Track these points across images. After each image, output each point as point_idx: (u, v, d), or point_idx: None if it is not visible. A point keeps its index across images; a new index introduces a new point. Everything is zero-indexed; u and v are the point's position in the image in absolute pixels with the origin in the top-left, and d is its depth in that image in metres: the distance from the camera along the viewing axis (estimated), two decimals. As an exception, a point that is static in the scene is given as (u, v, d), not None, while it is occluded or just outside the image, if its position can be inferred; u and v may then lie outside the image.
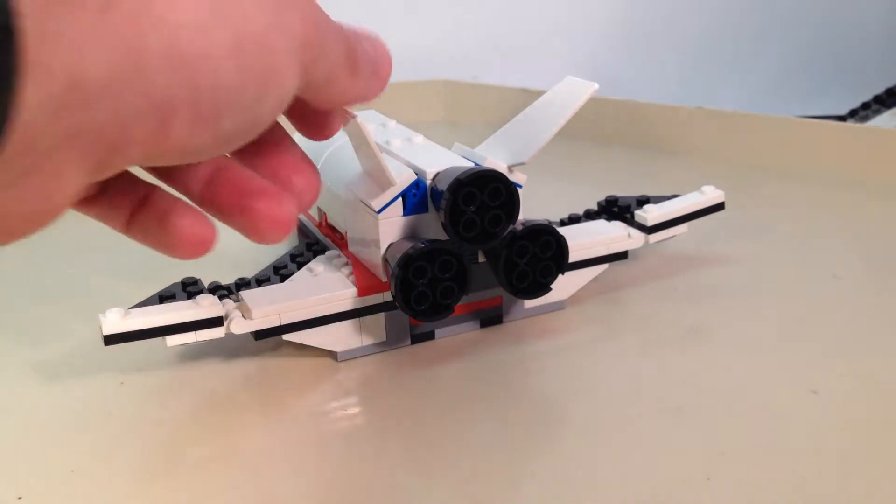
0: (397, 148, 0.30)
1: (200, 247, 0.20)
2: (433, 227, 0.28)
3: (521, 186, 0.28)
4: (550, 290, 0.29)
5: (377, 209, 0.27)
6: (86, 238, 0.39)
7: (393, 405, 0.27)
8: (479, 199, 0.26)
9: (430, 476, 0.23)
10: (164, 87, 0.15)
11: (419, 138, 0.31)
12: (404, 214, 0.27)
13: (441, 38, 0.70)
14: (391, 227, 0.27)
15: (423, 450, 0.24)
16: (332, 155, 0.32)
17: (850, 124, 0.53)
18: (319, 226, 0.35)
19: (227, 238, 0.21)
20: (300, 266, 0.31)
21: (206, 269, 0.31)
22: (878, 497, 0.21)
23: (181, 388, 0.28)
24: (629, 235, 0.32)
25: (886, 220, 0.41)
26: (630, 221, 0.33)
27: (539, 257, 0.28)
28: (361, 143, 0.25)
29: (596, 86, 0.27)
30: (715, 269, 0.35)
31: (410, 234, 0.28)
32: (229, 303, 0.28)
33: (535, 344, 0.30)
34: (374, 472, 0.23)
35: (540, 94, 0.29)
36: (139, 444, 0.25)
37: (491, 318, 0.31)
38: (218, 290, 0.29)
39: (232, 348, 0.30)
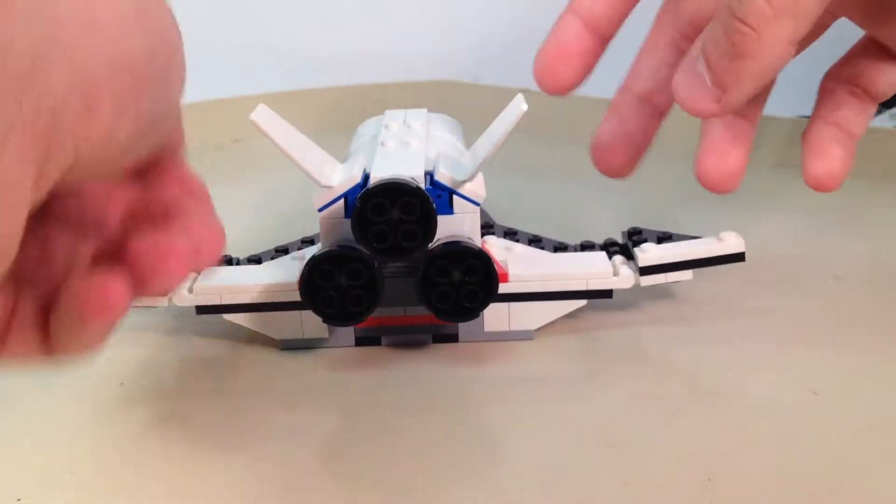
0: (385, 149, 0.30)
1: (119, 299, 0.18)
2: None
3: (478, 204, 0.27)
4: (477, 315, 0.27)
5: (316, 207, 0.27)
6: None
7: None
8: (390, 212, 0.26)
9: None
10: (85, 57, 0.15)
11: (416, 142, 0.30)
12: (346, 216, 0.27)
13: (441, 38, 0.70)
14: (332, 227, 0.27)
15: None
16: (358, 147, 0.32)
17: (850, 124, 0.53)
18: None
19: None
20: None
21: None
22: (878, 497, 0.21)
23: (182, 391, 0.28)
24: (616, 273, 0.29)
25: (886, 220, 0.41)
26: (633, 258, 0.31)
27: (463, 280, 0.26)
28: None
29: (524, 108, 0.25)
30: (714, 268, 0.35)
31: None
32: (193, 276, 0.29)
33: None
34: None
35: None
36: (139, 445, 0.25)
37: (445, 335, 0.30)
38: None
39: (238, 353, 0.30)
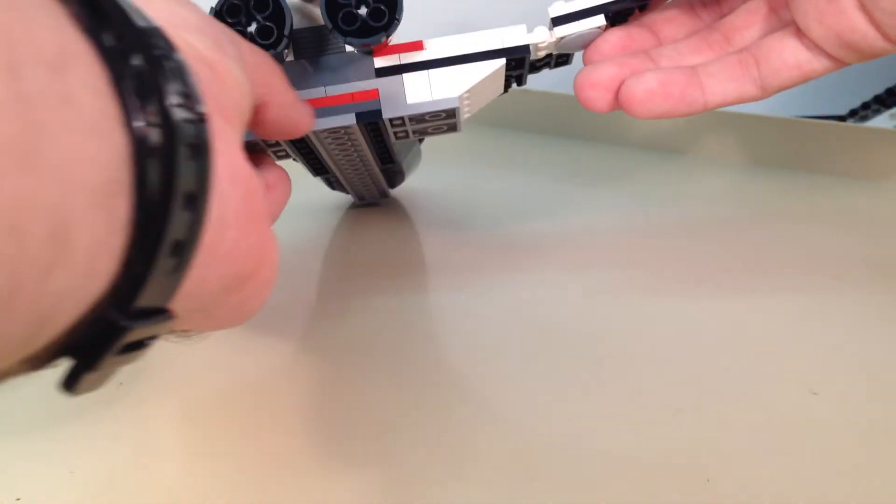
0: None
1: None
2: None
3: None
4: (385, 35, 0.27)
5: None
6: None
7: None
8: None
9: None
10: None
11: None
12: None
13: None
14: None
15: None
16: None
17: (850, 124, 0.53)
18: None
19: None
20: None
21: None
22: (878, 498, 0.21)
23: (178, 390, 0.28)
24: (528, 30, 0.31)
25: (887, 220, 0.41)
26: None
27: (367, 1, 0.27)
28: None
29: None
30: (712, 267, 0.35)
31: None
32: None
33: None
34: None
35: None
36: (138, 446, 0.25)
37: (368, 112, 0.29)
38: None
39: (224, 353, 0.30)
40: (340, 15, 0.27)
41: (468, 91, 0.30)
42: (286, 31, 0.26)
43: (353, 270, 0.37)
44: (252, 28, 0.26)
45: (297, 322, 0.32)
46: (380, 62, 0.29)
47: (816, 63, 0.28)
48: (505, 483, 0.23)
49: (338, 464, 0.24)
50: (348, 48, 0.29)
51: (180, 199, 0.14)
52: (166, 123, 0.14)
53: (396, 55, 0.29)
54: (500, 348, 0.30)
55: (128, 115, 0.14)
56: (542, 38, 0.30)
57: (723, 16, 0.31)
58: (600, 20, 0.31)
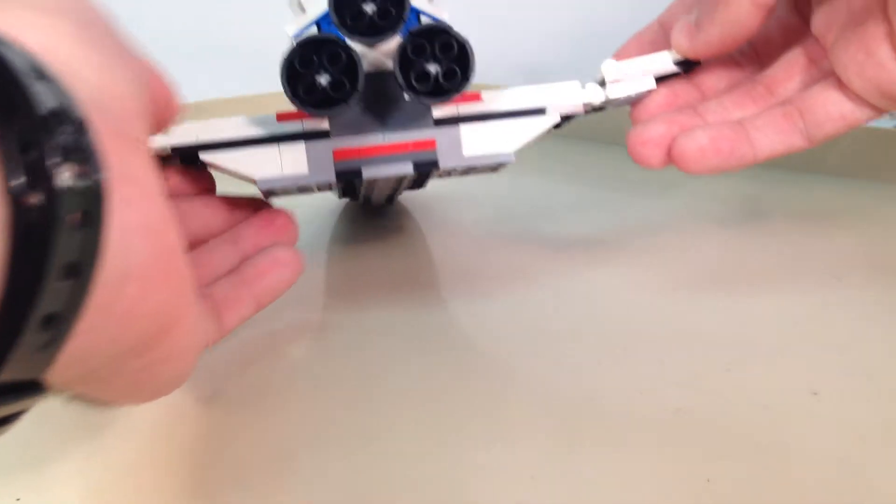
0: None
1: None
2: None
3: None
4: (457, 93, 0.27)
5: (291, 34, 0.27)
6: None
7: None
8: None
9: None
10: None
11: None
12: None
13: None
14: None
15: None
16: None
17: (850, 124, 0.53)
18: None
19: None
20: None
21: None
22: (878, 498, 0.21)
23: (181, 394, 0.28)
24: (583, 87, 0.31)
25: (887, 220, 0.41)
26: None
27: (439, 58, 0.27)
28: None
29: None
30: (711, 268, 0.35)
31: None
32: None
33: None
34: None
35: None
36: (139, 445, 0.25)
37: (424, 161, 0.29)
38: None
39: (232, 357, 0.30)
40: (414, 75, 0.27)
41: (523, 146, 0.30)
42: (359, 86, 0.26)
43: (362, 274, 0.37)
44: (323, 80, 0.26)
45: (303, 339, 0.32)
46: (438, 112, 0.29)
47: (860, 113, 0.28)
48: (497, 486, 0.23)
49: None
50: (407, 96, 0.28)
51: (58, 272, 0.13)
52: (48, 193, 0.13)
53: (454, 106, 0.29)
54: (498, 349, 0.30)
55: (7, 184, 0.13)
56: (595, 97, 0.31)
57: (762, 65, 0.32)
58: (651, 83, 0.31)
